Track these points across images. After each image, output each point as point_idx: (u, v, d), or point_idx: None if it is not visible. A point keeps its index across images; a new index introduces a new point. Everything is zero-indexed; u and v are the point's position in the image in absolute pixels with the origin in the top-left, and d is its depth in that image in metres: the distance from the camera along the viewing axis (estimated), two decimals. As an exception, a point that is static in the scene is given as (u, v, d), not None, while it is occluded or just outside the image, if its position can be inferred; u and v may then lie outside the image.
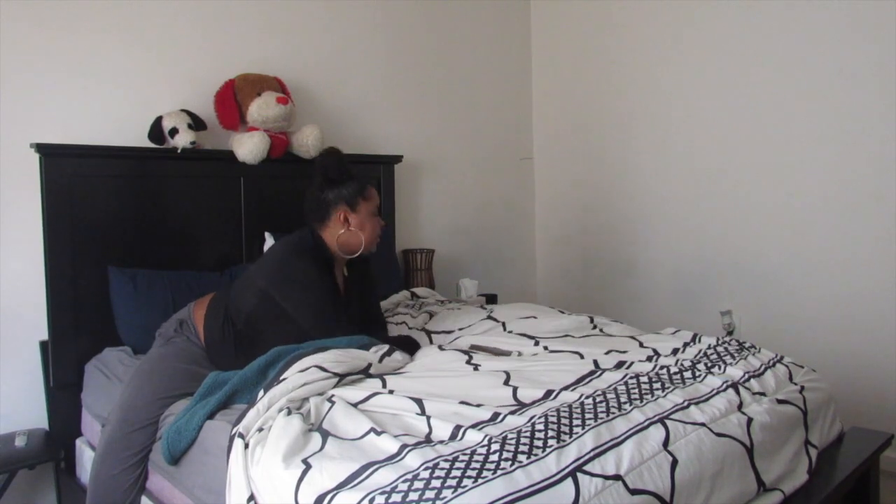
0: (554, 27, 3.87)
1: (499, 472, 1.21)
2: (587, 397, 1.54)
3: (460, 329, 2.26)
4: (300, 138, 2.72)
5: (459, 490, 1.16)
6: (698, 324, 2.99)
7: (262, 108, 2.55)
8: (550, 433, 1.35)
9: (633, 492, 1.25)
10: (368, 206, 2.08)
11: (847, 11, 2.75)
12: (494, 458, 1.26)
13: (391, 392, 1.61)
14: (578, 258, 3.81)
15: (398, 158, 3.21)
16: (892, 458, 2.28)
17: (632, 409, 1.47)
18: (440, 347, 2.01)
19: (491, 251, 3.78)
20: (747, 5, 3.04)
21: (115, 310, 2.27)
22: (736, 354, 1.89)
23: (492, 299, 3.42)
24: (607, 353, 1.90)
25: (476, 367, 1.79)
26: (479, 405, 1.53)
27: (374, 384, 1.66)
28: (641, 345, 2.01)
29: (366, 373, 1.73)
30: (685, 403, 1.53)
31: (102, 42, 2.43)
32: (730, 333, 3.04)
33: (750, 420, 1.53)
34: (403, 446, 1.33)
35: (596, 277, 3.72)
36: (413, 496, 1.16)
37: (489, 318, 2.32)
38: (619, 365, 1.80)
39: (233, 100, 2.59)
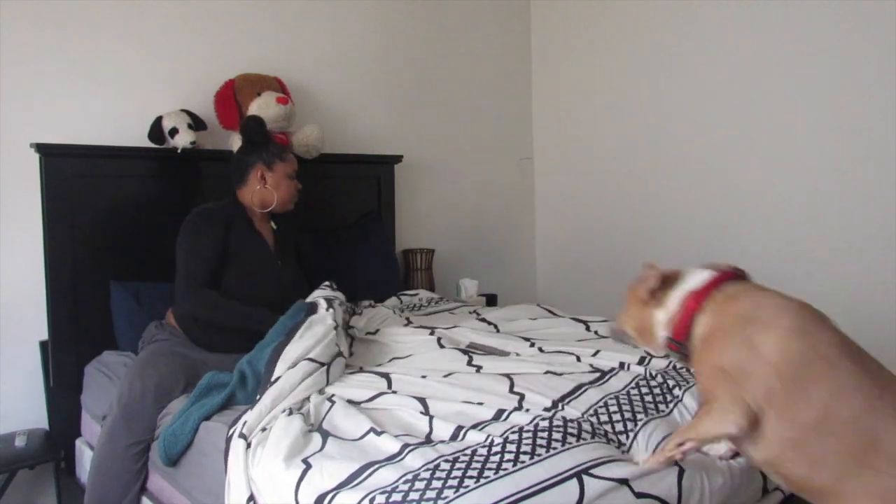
0: (554, 27, 3.87)
1: (500, 472, 1.21)
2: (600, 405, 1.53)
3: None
4: (300, 138, 2.72)
5: (461, 490, 1.16)
6: (698, 324, 2.99)
7: (262, 108, 2.55)
8: (556, 434, 1.34)
9: (639, 495, 1.23)
10: (286, 167, 2.26)
11: (847, 12, 2.75)
12: (496, 458, 1.26)
13: (395, 392, 1.61)
14: (578, 258, 3.81)
15: (398, 158, 3.21)
16: (891, 459, 2.27)
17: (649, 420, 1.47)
18: (440, 343, 2.00)
19: (491, 251, 3.78)
20: (747, 5, 3.04)
21: (115, 323, 2.29)
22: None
23: (492, 299, 3.42)
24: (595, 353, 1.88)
25: (478, 370, 1.78)
26: (480, 403, 1.53)
27: (380, 384, 1.67)
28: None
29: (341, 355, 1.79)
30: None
31: (102, 42, 2.43)
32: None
33: None
34: (405, 446, 1.33)
35: (596, 277, 3.71)
36: (414, 496, 1.16)
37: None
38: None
39: (233, 100, 2.59)
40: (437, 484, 1.18)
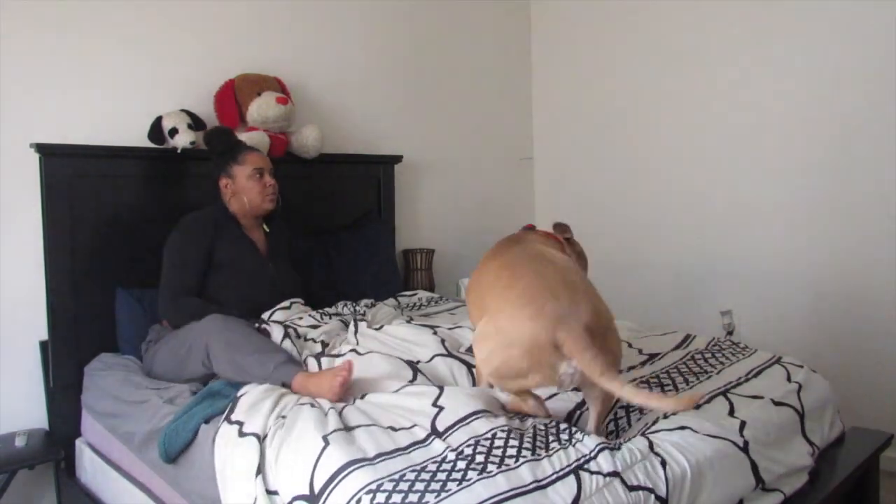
0: (554, 27, 3.87)
1: (503, 466, 1.23)
2: None
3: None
4: (300, 138, 2.72)
5: (464, 483, 1.19)
6: (698, 324, 2.99)
7: (261, 108, 2.55)
8: (562, 426, 1.38)
9: (631, 488, 1.26)
10: (244, 169, 2.26)
11: (847, 12, 2.75)
12: (498, 452, 1.28)
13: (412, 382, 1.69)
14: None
15: (398, 158, 3.21)
16: (892, 458, 2.27)
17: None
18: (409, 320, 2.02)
19: (491, 251, 3.77)
20: (748, 5, 3.04)
21: (119, 329, 2.29)
22: (731, 357, 1.91)
23: (492, 299, 3.41)
24: None
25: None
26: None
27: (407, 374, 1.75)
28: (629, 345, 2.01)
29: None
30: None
31: (102, 42, 2.43)
32: (730, 333, 3.04)
33: (743, 423, 1.53)
34: (413, 442, 1.35)
35: (596, 277, 3.70)
36: (419, 486, 1.19)
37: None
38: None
39: (233, 100, 2.59)
40: (441, 476, 1.21)
